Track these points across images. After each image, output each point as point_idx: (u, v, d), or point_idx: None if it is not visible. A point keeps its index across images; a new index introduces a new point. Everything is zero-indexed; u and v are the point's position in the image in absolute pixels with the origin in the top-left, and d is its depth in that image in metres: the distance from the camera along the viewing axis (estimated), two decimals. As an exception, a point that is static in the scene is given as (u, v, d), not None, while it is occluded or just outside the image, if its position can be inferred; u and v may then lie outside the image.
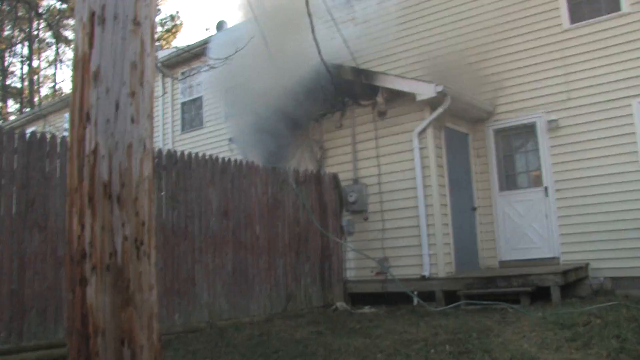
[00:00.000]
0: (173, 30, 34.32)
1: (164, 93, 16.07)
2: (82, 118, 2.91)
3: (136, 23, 3.04)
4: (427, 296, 9.05)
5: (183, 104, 16.44)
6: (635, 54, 9.25)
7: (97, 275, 2.74)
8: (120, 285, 2.76)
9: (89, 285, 2.75)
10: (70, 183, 2.91)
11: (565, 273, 8.23)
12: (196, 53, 13.80)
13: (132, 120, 2.94)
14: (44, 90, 38.86)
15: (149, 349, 2.81)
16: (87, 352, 2.71)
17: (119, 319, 2.73)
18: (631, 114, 9.19)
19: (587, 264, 9.24)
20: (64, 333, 5.97)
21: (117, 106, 2.91)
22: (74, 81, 3.02)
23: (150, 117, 3.08)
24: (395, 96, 9.94)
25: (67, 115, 19.84)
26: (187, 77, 16.15)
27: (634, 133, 9.14)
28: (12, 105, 37.79)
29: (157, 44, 19.61)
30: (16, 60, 36.72)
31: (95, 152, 2.85)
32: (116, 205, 2.82)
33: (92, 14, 2.98)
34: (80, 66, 2.97)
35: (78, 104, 2.94)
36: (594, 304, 7.24)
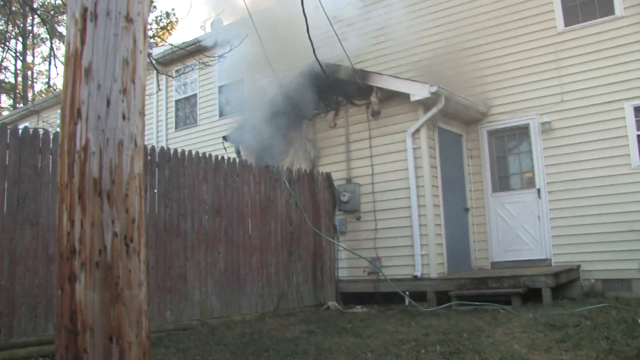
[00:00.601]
0: (168, 27, 34.23)
1: (158, 90, 16.04)
2: (73, 114, 2.90)
3: (129, 20, 3.03)
4: (419, 296, 9.07)
5: (177, 101, 16.44)
6: (628, 58, 9.29)
7: (86, 272, 2.73)
8: (110, 282, 2.75)
9: (78, 281, 2.74)
10: (60, 179, 2.90)
11: (556, 275, 8.27)
12: (191, 51, 13.77)
13: (123, 117, 2.93)
14: (38, 86, 38.71)
15: (137, 346, 2.81)
16: (76, 349, 2.70)
17: (108, 316, 2.73)
18: (624, 117, 9.24)
19: (579, 266, 9.29)
20: (54, 330, 5.95)
21: (108, 103, 2.90)
22: (65, 77, 3.01)
23: (142, 114, 3.07)
24: (390, 96, 9.95)
25: (60, 111, 19.78)
26: (182, 74, 16.13)
27: (626, 136, 9.19)
28: (5, 101, 37.65)
29: (152, 41, 19.57)
30: (10, 56, 36.55)
31: (85, 148, 2.84)
32: (106, 202, 2.81)
33: (85, 10, 2.97)
34: (72, 62, 2.96)
35: (69, 100, 2.93)
36: (584, 306, 7.28)
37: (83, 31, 2.95)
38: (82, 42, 2.94)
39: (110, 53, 2.94)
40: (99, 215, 2.78)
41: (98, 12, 2.96)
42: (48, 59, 37.55)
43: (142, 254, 2.91)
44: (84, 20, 2.96)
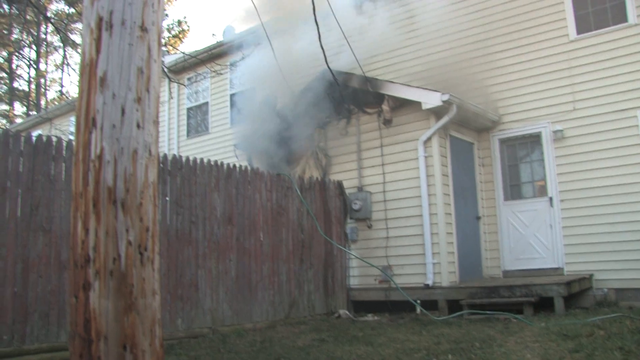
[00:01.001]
0: (180, 36, 34.44)
1: (170, 98, 16.13)
2: (88, 123, 2.92)
3: (143, 29, 3.06)
4: (430, 305, 9.04)
5: (189, 109, 16.51)
6: (641, 65, 9.25)
7: (101, 280, 2.75)
8: (124, 291, 2.76)
9: (92, 290, 2.75)
10: (75, 187, 2.92)
11: (569, 284, 8.20)
12: (203, 59, 13.84)
13: (138, 126, 2.95)
14: (51, 94, 39.03)
15: (151, 355, 2.81)
16: (89, 357, 2.71)
17: (122, 324, 2.74)
18: (637, 125, 9.18)
19: (591, 275, 9.21)
20: (67, 337, 5.98)
21: (123, 112, 2.92)
22: (80, 86, 3.03)
23: (156, 123, 3.09)
24: (401, 104, 9.95)
25: (73, 119, 19.93)
26: (194, 82, 16.22)
27: (639, 144, 9.12)
28: (18, 109, 37.97)
29: (163, 49, 19.68)
30: (24, 64, 36.92)
31: (100, 157, 2.86)
32: (120, 211, 2.82)
33: (100, 20, 3.00)
34: (87, 71, 2.99)
35: (84, 109, 2.95)
36: (597, 315, 7.22)
37: (98, 40, 2.98)
38: (98, 51, 2.97)
39: (125, 62, 2.97)
40: (113, 224, 2.80)
41: (113, 22, 2.99)
42: (61, 67, 37.89)
43: (156, 262, 2.93)
44: (100, 29, 2.99)
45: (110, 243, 2.77)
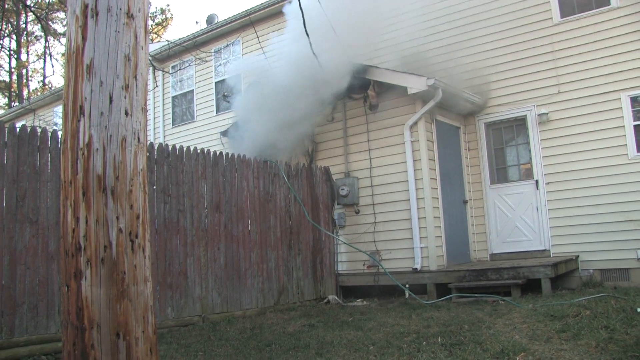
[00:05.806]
0: (164, 24, 34.14)
1: (155, 87, 16.01)
2: (75, 111, 2.90)
3: (129, 16, 3.03)
4: (419, 289, 9.10)
5: (174, 97, 16.40)
6: (624, 48, 9.30)
7: (92, 268, 2.75)
8: (115, 278, 2.76)
9: (83, 278, 2.75)
10: (64, 176, 2.90)
11: (555, 265, 8.30)
12: (187, 47, 13.75)
13: (126, 113, 2.93)
14: (33, 84, 38.55)
15: (144, 341, 2.82)
16: (83, 345, 2.71)
17: (114, 312, 2.74)
18: (620, 108, 9.26)
19: (577, 256, 9.32)
20: (56, 328, 5.96)
21: (110, 99, 2.90)
22: (66, 74, 3.00)
23: (144, 110, 3.07)
24: (387, 89, 9.95)
25: (56, 109, 19.74)
26: (179, 70, 16.11)
27: (623, 126, 9.21)
28: (0, 100, 37.50)
29: (148, 37, 19.51)
30: (4, 54, 36.38)
31: (89, 145, 2.84)
32: (110, 198, 2.82)
33: (85, 7, 2.97)
34: (74, 59, 2.96)
35: (72, 97, 2.93)
36: (583, 296, 7.31)
37: (84, 28, 2.96)
38: (84, 38, 2.95)
39: (112, 49, 2.95)
40: (103, 212, 2.79)
41: (99, 9, 2.96)
42: (43, 57, 37.41)
43: (147, 249, 2.92)
44: (85, 17, 2.96)
45: (101, 231, 2.77)
